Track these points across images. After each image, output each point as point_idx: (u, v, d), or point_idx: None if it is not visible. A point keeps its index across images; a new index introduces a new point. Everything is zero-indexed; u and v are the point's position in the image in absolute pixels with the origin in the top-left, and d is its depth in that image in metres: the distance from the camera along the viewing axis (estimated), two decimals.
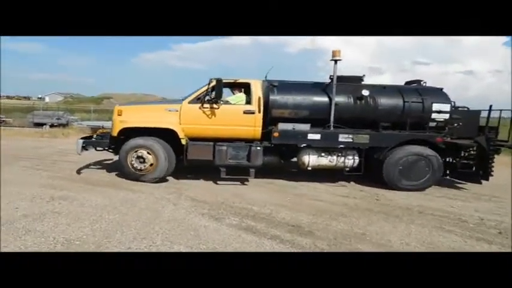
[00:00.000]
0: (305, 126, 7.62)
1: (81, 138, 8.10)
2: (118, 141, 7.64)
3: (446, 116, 7.76)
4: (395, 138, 7.62)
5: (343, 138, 7.53)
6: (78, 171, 8.25)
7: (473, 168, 7.84)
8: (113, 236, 4.38)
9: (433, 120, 7.78)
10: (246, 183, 7.71)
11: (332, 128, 7.61)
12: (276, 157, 7.88)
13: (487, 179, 7.59)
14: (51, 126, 22.23)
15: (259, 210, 5.72)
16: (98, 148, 8.15)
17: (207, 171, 8.10)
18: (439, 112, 7.72)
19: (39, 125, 23.96)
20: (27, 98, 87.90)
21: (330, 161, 7.70)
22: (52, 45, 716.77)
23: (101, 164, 9.32)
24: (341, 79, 7.76)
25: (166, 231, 4.61)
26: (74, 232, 4.44)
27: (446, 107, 7.76)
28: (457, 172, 8.02)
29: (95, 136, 8.54)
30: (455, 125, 7.87)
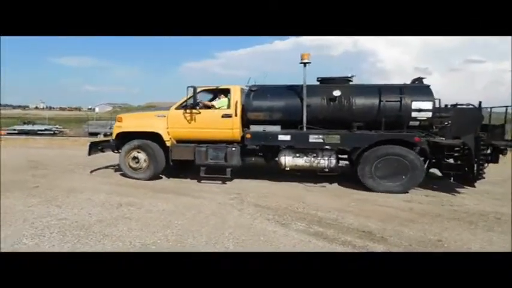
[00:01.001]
0: (276, 128, 7.87)
1: (91, 143, 9.22)
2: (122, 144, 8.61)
3: (429, 114, 7.37)
4: (368, 138, 7.44)
5: (313, 138, 7.61)
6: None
7: (465, 169, 7.25)
8: (185, 241, 4.45)
9: (415, 119, 7.42)
10: (308, 186, 7.65)
11: (305, 129, 7.70)
12: (259, 158, 8.28)
13: (475, 181, 7.10)
14: (105, 135, 23.19)
15: (324, 216, 5.61)
16: (104, 151, 9.15)
17: (263, 174, 8.13)
18: (420, 110, 7.35)
19: (94, 134, 25.08)
20: (78, 109, 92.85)
21: (305, 162, 7.81)
22: (101, 59, 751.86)
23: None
24: (329, 80, 7.99)
25: (236, 236, 4.62)
26: (148, 237, 4.55)
27: (428, 105, 7.35)
28: (456, 174, 7.40)
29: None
30: (446, 123, 7.45)
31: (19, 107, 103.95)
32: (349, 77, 8.20)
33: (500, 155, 7.50)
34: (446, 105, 7.97)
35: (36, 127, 30.12)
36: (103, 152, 9.18)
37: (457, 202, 6.66)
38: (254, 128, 7.97)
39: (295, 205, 6.21)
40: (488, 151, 7.40)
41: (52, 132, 28.90)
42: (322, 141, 7.58)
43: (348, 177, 8.09)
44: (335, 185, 7.96)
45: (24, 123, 32.41)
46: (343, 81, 8.10)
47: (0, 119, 30.09)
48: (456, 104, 7.88)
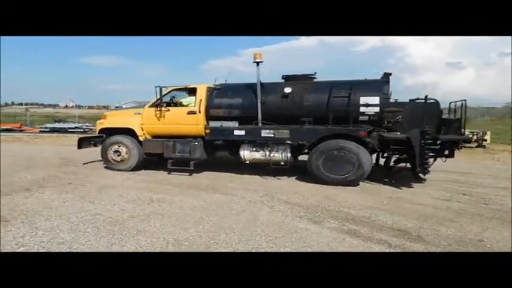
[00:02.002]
0: (232, 124, 8.40)
1: (80, 138, 9.96)
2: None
3: (376, 109, 7.49)
4: (316, 133, 7.70)
5: (265, 133, 8.03)
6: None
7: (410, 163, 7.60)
8: (218, 237, 4.42)
9: (363, 114, 7.58)
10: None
11: (260, 124, 8.13)
12: (224, 152, 8.82)
13: (417, 175, 7.39)
14: None
15: (357, 214, 5.48)
16: (97, 145, 9.79)
17: (290, 172, 8.07)
18: (367, 105, 7.51)
19: None
20: (106, 107, 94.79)
21: (261, 155, 8.23)
22: (127, 58, 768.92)
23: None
24: (293, 78, 8.43)
25: (268, 233, 4.56)
26: (180, 233, 4.55)
27: (375, 100, 7.48)
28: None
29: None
30: (398, 118, 7.59)
31: (49, 105, 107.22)
32: (312, 75, 8.53)
33: (456, 150, 7.72)
34: (396, 100, 8.20)
35: (66, 125, 30.98)
36: (96, 146, 9.90)
37: (499, 201, 6.39)
38: (213, 123, 8.58)
39: (326, 203, 6.10)
40: (438, 146, 7.51)
41: (82, 130, 29.61)
42: (273, 135, 8.00)
43: (378, 175, 7.92)
44: (366, 183, 7.78)
45: (55, 121, 33.41)
46: (306, 79, 8.46)
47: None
48: (417, 99, 7.81)
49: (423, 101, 7.30)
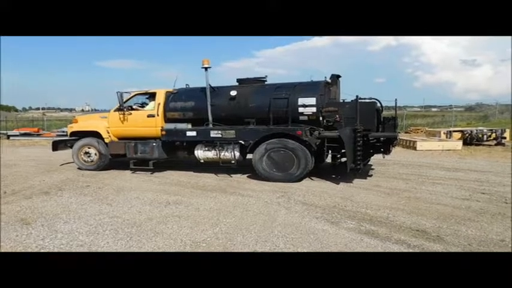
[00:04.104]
0: (185, 125, 8.92)
1: (54, 141, 10.45)
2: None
3: (313, 109, 7.90)
4: (257, 132, 8.12)
5: (213, 134, 8.48)
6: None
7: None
8: (235, 238, 4.43)
9: (302, 114, 8.03)
10: (355, 184, 7.45)
11: (211, 125, 8.63)
12: (183, 152, 9.28)
13: (348, 170, 7.57)
14: None
15: (375, 214, 5.42)
16: (70, 146, 10.07)
17: (312, 173, 8.04)
18: (305, 106, 7.94)
19: None
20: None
21: (214, 154, 8.67)
22: (144, 61, 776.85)
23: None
24: (246, 81, 8.90)
25: (286, 234, 4.54)
26: (198, 235, 4.57)
27: (311, 101, 7.92)
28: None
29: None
30: (336, 117, 7.89)
31: (66, 109, 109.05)
32: (263, 78, 9.04)
33: (392, 146, 8.18)
34: (343, 100, 8.79)
35: None
36: (71, 148, 10.09)
37: None
38: (167, 125, 9.08)
39: (343, 203, 6.05)
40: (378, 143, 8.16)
41: None
42: (221, 135, 8.43)
43: (391, 175, 7.82)
44: (383, 182, 7.71)
45: None
46: (256, 82, 8.93)
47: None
48: (361, 99, 7.93)
49: (362, 101, 7.86)
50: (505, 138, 15.16)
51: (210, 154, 8.72)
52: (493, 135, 15.07)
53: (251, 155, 8.36)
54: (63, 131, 29.89)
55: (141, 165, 9.19)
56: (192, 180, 8.37)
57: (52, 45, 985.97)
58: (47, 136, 27.47)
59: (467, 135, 15.24)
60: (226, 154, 8.53)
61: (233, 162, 8.50)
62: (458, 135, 15.35)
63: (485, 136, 15.07)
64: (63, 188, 7.45)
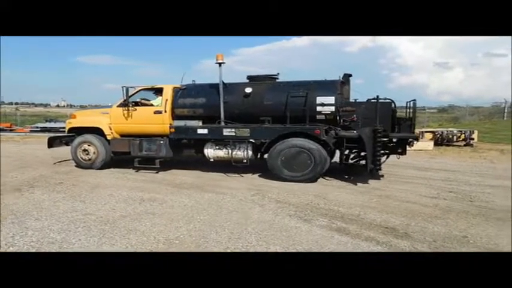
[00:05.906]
0: (196, 122, 8.63)
1: (49, 137, 10.02)
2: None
3: (332, 108, 7.76)
4: (274, 131, 7.93)
5: (227, 132, 8.25)
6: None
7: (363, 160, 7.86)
8: (208, 236, 4.48)
9: (320, 113, 7.87)
10: (328, 182, 7.60)
11: (223, 123, 8.39)
12: (191, 150, 8.98)
13: (370, 171, 7.58)
14: None
15: (346, 212, 5.57)
16: (69, 144, 9.73)
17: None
18: (323, 105, 7.78)
19: None
20: (98, 107, 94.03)
21: (225, 153, 8.43)
22: (122, 57, 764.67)
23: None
24: (257, 78, 8.66)
25: (259, 232, 4.62)
26: (171, 232, 4.60)
27: (330, 100, 7.75)
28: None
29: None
30: (354, 117, 7.87)
31: (40, 105, 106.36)
32: (275, 75, 8.78)
33: (408, 146, 8.06)
34: (355, 100, 8.51)
35: (58, 124, 30.65)
36: (67, 145, 9.85)
37: (485, 198, 6.52)
38: (177, 122, 8.76)
39: (317, 201, 6.17)
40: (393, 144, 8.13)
41: None
42: (234, 134, 8.20)
43: (364, 174, 8.01)
44: (356, 181, 7.89)
45: (46, 120, 33.06)
46: (268, 79, 8.71)
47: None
48: (373, 99, 7.95)
49: (374, 101, 7.70)
50: (473, 139, 15.67)
51: (221, 153, 8.48)
52: (462, 136, 15.55)
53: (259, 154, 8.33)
54: (37, 127, 29.24)
55: (146, 164, 8.89)
56: (168, 177, 8.37)
57: (27, 41, 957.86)
58: (20, 132, 26.76)
59: (438, 136, 15.68)
60: (238, 153, 8.30)
61: (245, 161, 8.28)
62: (430, 135, 15.76)
63: (455, 137, 15.53)
64: (35, 185, 7.33)
